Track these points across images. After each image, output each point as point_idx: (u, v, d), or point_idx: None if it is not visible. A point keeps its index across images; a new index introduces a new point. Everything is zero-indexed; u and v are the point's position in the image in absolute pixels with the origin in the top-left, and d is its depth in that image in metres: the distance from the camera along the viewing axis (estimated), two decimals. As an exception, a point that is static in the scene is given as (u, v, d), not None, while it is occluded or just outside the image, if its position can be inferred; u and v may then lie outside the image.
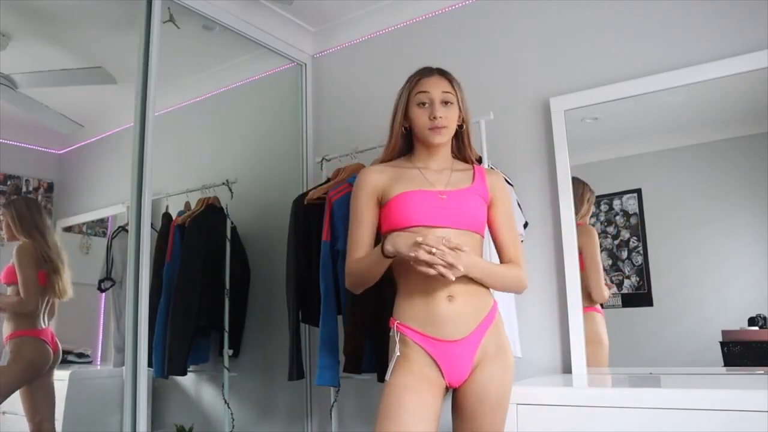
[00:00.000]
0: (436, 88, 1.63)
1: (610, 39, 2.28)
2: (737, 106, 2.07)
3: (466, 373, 1.55)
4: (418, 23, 2.78)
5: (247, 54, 3.03)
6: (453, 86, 1.66)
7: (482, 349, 1.56)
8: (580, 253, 2.22)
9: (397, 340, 1.57)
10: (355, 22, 2.95)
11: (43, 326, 2.60)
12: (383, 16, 2.86)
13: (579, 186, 2.26)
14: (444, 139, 1.64)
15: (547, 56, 2.41)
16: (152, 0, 2.29)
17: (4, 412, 2.54)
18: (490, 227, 1.69)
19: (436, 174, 1.66)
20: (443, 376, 1.55)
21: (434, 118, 1.60)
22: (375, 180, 1.66)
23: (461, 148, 1.74)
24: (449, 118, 1.63)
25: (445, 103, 1.63)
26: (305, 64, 3.10)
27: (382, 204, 1.65)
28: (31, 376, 2.54)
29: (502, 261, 1.69)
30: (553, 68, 2.39)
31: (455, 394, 1.60)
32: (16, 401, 2.54)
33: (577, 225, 2.24)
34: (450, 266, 1.43)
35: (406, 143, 1.72)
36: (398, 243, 1.48)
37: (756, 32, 1.99)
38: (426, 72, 1.68)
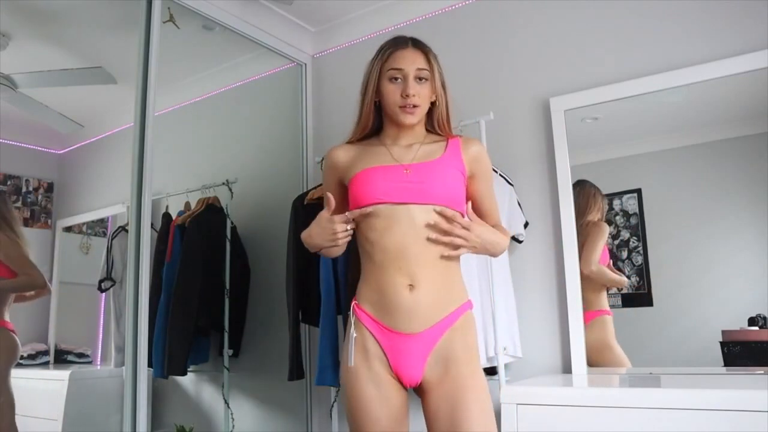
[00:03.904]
0: (410, 64, 1.50)
1: (609, 39, 2.28)
2: (737, 106, 2.07)
3: (416, 375, 1.41)
4: (418, 23, 2.78)
5: (247, 54, 3.03)
6: (429, 60, 1.52)
7: (438, 351, 1.41)
8: (584, 242, 2.22)
9: (352, 322, 1.48)
10: (355, 22, 2.95)
11: (6, 318, 2.49)
12: (383, 16, 2.86)
13: (590, 190, 2.25)
14: (415, 120, 1.51)
15: (547, 56, 2.41)
16: (152, 0, 2.29)
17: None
18: (470, 199, 1.54)
19: (403, 149, 1.53)
20: (391, 370, 1.42)
21: (407, 96, 1.47)
22: (337, 159, 1.58)
23: (435, 125, 1.58)
24: (422, 96, 1.50)
25: (420, 79, 1.50)
26: (305, 64, 3.10)
27: (346, 183, 1.55)
28: (7, 365, 2.44)
29: None
30: (553, 68, 2.39)
31: (427, 404, 1.43)
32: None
33: (589, 221, 2.24)
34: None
35: (377, 119, 1.59)
36: (313, 236, 1.48)
37: (756, 32, 1.99)
38: (400, 43, 1.54)
